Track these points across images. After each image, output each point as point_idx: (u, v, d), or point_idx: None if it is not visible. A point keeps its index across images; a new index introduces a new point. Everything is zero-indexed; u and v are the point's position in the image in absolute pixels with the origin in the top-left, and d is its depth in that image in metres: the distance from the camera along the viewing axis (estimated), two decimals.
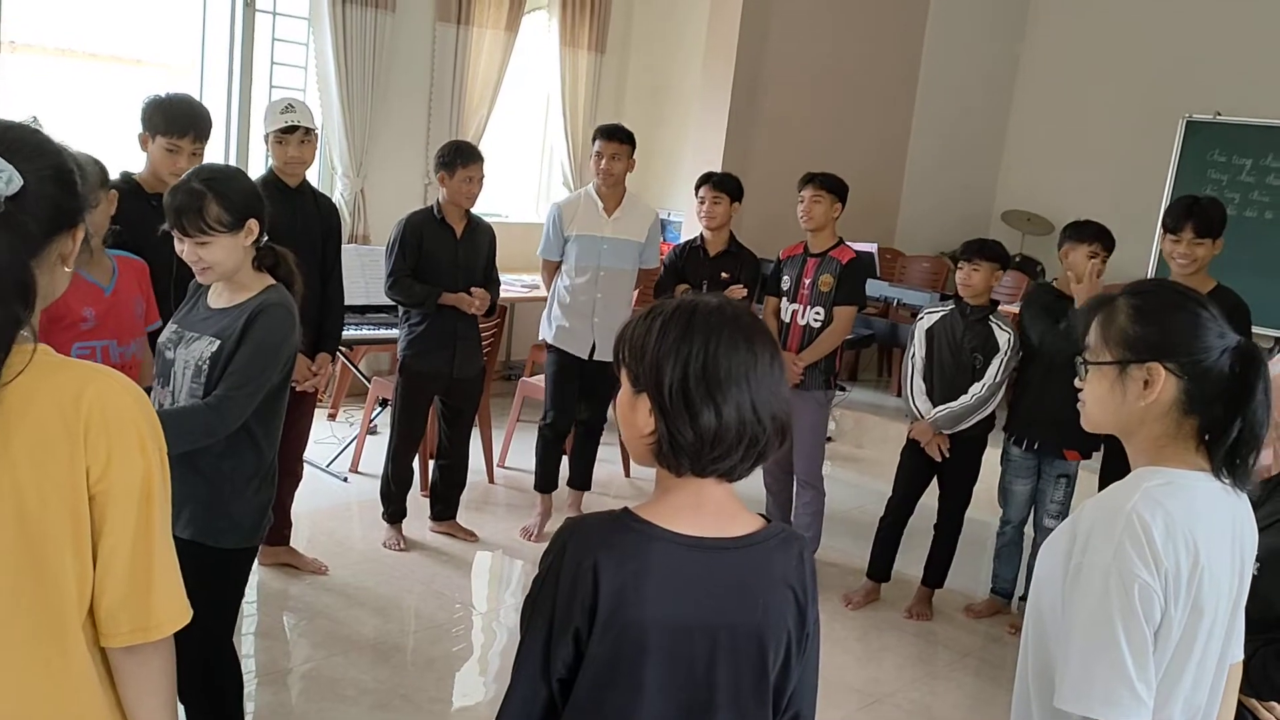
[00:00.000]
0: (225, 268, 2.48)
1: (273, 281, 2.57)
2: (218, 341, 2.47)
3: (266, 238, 2.55)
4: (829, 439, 4.83)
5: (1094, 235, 4.13)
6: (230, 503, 2.53)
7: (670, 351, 1.39)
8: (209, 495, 2.49)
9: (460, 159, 4.38)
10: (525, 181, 7.79)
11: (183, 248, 2.46)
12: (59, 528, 1.33)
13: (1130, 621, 1.50)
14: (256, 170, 5.86)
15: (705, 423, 1.37)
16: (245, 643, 3.77)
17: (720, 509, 1.45)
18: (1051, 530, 4.37)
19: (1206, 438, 1.61)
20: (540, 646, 1.40)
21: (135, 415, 1.39)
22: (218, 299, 2.55)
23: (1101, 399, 1.66)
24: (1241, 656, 1.75)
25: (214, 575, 2.47)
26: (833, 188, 4.47)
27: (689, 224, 6.93)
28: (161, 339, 2.56)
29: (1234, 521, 1.64)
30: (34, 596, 1.34)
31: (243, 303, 2.51)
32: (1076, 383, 1.71)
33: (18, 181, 1.30)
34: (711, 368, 1.38)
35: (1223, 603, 1.61)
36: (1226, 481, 1.60)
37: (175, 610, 1.42)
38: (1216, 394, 1.59)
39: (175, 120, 3.34)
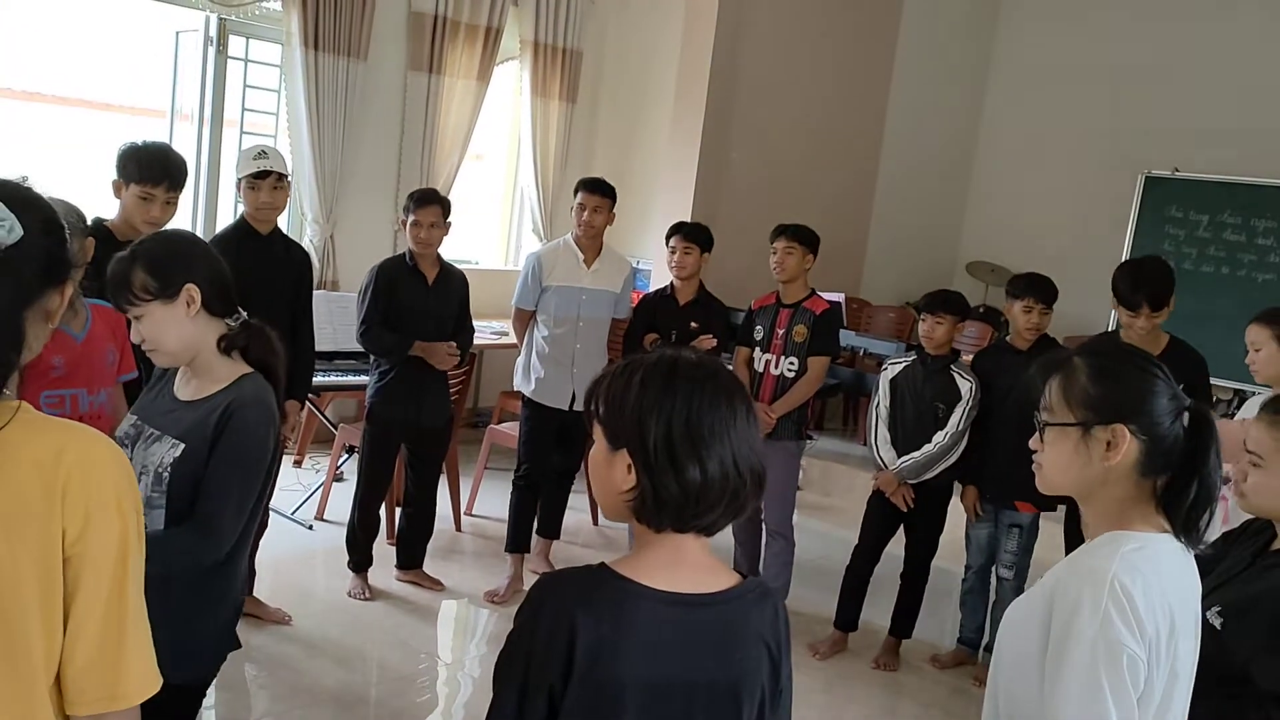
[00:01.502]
0: (169, 346, 2.17)
1: (247, 369, 2.24)
2: (182, 445, 2.14)
3: (243, 315, 2.26)
4: (798, 489, 4.84)
5: (1025, 289, 4.25)
6: (185, 631, 2.10)
7: (654, 407, 1.39)
8: (161, 622, 2.19)
9: (413, 203, 4.41)
10: (495, 229, 7.83)
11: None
12: (28, 589, 1.30)
13: (1119, 693, 1.50)
14: (226, 217, 5.86)
15: (690, 479, 1.38)
16: (207, 695, 3.71)
17: (698, 564, 1.45)
18: (1005, 579, 4.39)
19: (1164, 499, 1.61)
20: (514, 705, 1.39)
21: (115, 475, 1.36)
22: (184, 387, 2.24)
23: (1062, 461, 1.65)
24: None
25: (157, 715, 2.15)
26: (805, 239, 4.53)
27: (659, 272, 6.97)
28: (119, 432, 2.25)
29: (1194, 582, 1.66)
30: (4, 663, 1.30)
31: (212, 396, 2.19)
32: (1033, 443, 1.70)
33: (18, 231, 1.31)
34: (695, 424, 1.39)
35: (1192, 663, 1.62)
36: (1183, 542, 1.62)
37: (145, 678, 1.39)
38: (1172, 456, 1.60)
39: (149, 168, 3.33)
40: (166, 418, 2.19)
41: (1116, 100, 8.18)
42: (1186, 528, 1.60)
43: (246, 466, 2.17)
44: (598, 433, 1.46)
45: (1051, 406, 1.67)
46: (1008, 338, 4.44)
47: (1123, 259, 7.06)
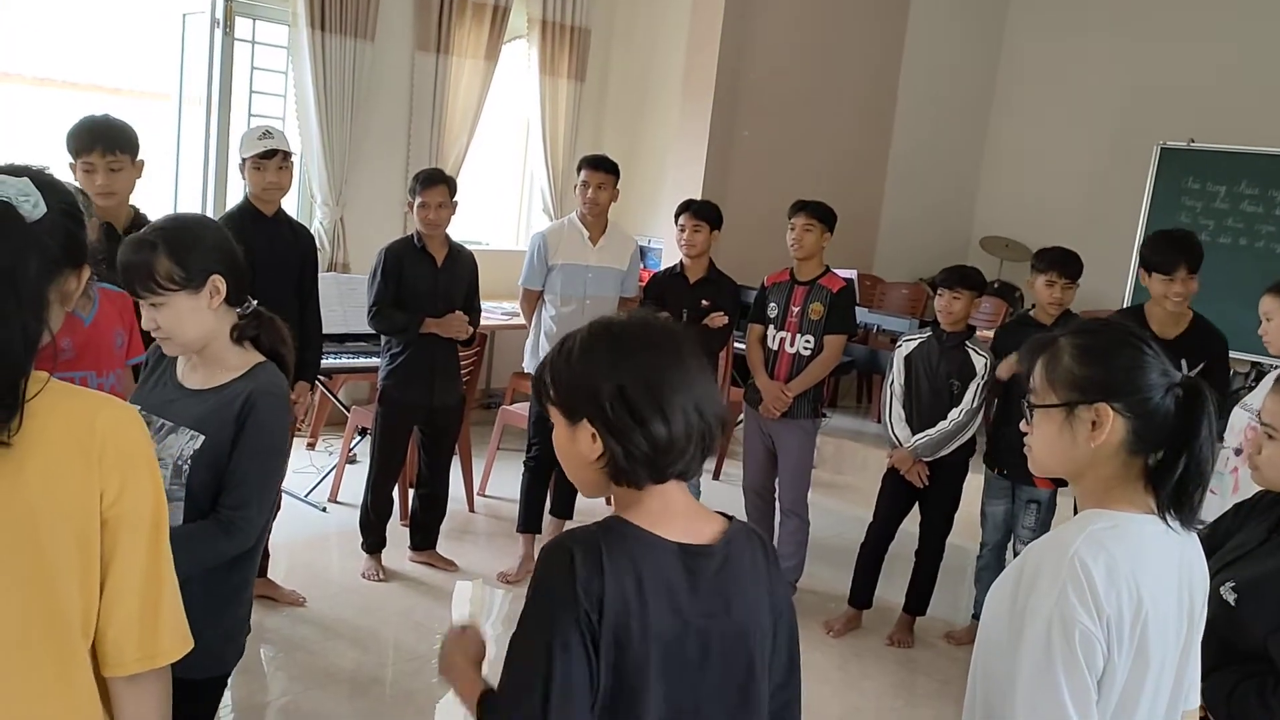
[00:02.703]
0: (187, 336, 2.11)
1: (259, 358, 2.19)
2: (201, 437, 2.09)
3: (253, 304, 2.22)
4: (813, 467, 4.82)
5: (1049, 263, 4.20)
6: (212, 626, 2.08)
7: (604, 370, 1.42)
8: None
9: (419, 185, 4.38)
10: (505, 209, 7.80)
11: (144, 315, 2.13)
12: (67, 552, 1.35)
13: (1071, 669, 1.48)
14: (234, 199, 5.85)
15: (657, 433, 1.40)
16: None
17: (688, 512, 1.49)
18: None
19: (1153, 476, 1.58)
20: (545, 655, 1.35)
21: (143, 441, 1.44)
22: (191, 375, 2.17)
23: (1049, 442, 1.63)
24: (1197, 704, 1.72)
25: (185, 709, 2.05)
26: (824, 217, 4.49)
27: (669, 251, 6.94)
28: None
29: (1181, 564, 1.61)
30: (44, 623, 1.36)
31: (225, 385, 2.13)
32: (1023, 426, 1.69)
33: (43, 207, 1.39)
34: (651, 378, 1.41)
35: (1170, 650, 1.58)
36: (1173, 521, 1.58)
37: (180, 638, 1.46)
38: (1163, 432, 1.57)
39: (79, 138, 3.26)
40: (173, 407, 2.13)
41: (1130, 71, 8.09)
42: (1177, 505, 1.57)
43: (272, 457, 2.17)
44: (554, 415, 1.48)
45: (1036, 388, 1.65)
46: (1031, 311, 4.39)
47: (1138, 232, 7.02)
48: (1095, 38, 8.29)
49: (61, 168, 3.14)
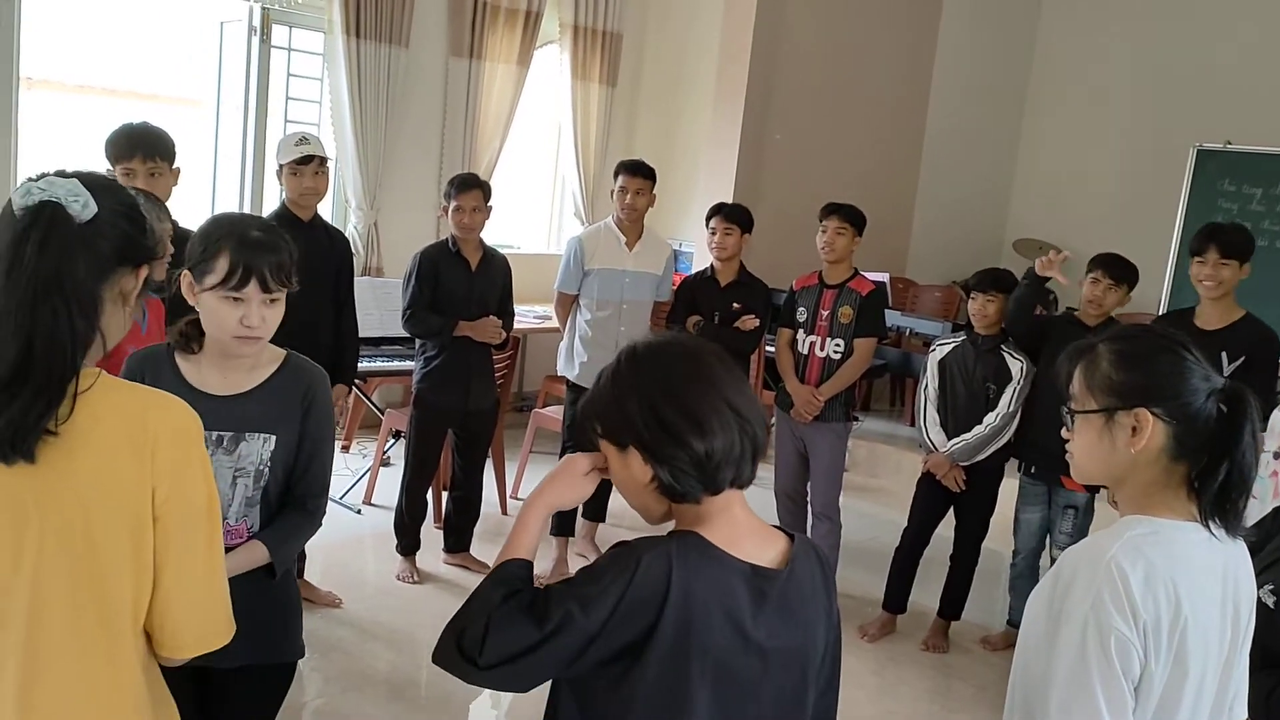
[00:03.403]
0: (270, 334, 2.08)
1: (280, 350, 2.18)
2: (272, 437, 2.10)
3: None
4: (845, 470, 4.81)
5: (1098, 263, 4.19)
6: (291, 610, 2.29)
7: (629, 394, 1.44)
8: (272, 608, 2.21)
9: (454, 189, 4.41)
10: (537, 213, 7.83)
11: (238, 311, 1.99)
12: (119, 543, 1.40)
13: (1107, 675, 1.47)
14: (270, 205, 5.91)
15: (695, 444, 1.41)
16: None
17: (752, 531, 1.49)
18: None
19: (1195, 482, 1.56)
20: (562, 616, 1.36)
21: (197, 437, 1.47)
22: (212, 379, 2.09)
23: (1090, 449, 1.63)
24: (1243, 716, 1.69)
25: (281, 694, 2.32)
26: (855, 220, 4.48)
27: (700, 254, 6.95)
28: None
29: (1226, 573, 1.59)
30: (95, 609, 1.40)
31: (269, 380, 2.12)
32: (1064, 433, 1.68)
33: (93, 208, 1.41)
34: (676, 394, 1.43)
35: (1212, 659, 1.56)
36: (1216, 529, 1.56)
37: (228, 623, 1.53)
38: (1205, 438, 1.55)
39: (118, 145, 3.32)
40: (216, 417, 2.03)
41: (1166, 72, 8.02)
42: (1220, 512, 1.55)
43: (332, 441, 2.25)
44: (605, 449, 1.49)
45: (1075, 395, 1.64)
46: (1076, 311, 4.35)
47: (1175, 235, 6.95)
48: (1130, 39, 8.22)
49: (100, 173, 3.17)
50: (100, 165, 3.32)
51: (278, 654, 2.26)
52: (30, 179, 1.42)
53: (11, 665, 1.40)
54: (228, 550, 2.05)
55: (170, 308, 2.40)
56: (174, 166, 3.40)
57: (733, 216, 4.75)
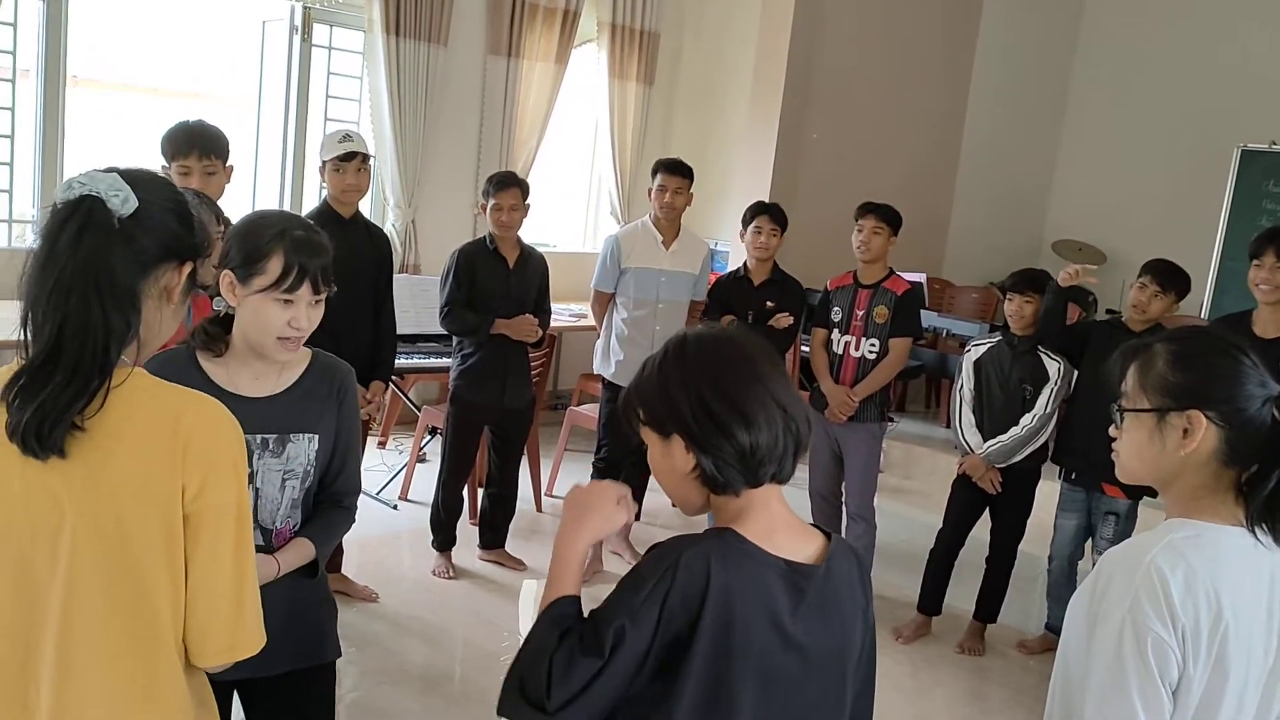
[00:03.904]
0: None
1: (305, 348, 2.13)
2: (316, 436, 2.10)
3: None
4: (879, 471, 4.79)
5: (1146, 269, 4.13)
6: (331, 608, 2.30)
7: (679, 383, 1.45)
8: (316, 607, 2.25)
9: (492, 187, 4.44)
10: (573, 212, 7.85)
11: (287, 313, 1.96)
12: (154, 544, 1.39)
13: (1143, 677, 1.46)
14: (310, 202, 5.97)
15: (741, 436, 1.42)
16: None
17: (789, 527, 1.50)
18: None
19: (1245, 489, 1.54)
20: (616, 631, 1.37)
21: (231, 439, 1.45)
22: (252, 383, 2.05)
23: (1139, 448, 1.61)
24: None
25: (331, 693, 2.33)
26: (892, 220, 4.46)
27: (736, 253, 6.94)
28: None
29: (1273, 579, 1.56)
30: (128, 609, 1.40)
31: (301, 379, 2.10)
32: (1112, 430, 1.66)
33: (133, 203, 1.40)
34: (724, 385, 1.44)
35: (1255, 665, 1.54)
36: (1264, 535, 1.53)
37: (258, 633, 1.48)
38: (1257, 444, 1.53)
39: (176, 142, 3.37)
40: (258, 419, 2.02)
41: (1210, 72, 7.92)
42: (1268, 518, 1.52)
43: (361, 435, 2.26)
44: (647, 436, 1.50)
45: (1129, 392, 1.63)
46: (1123, 317, 4.29)
47: (1218, 236, 6.87)
48: (1173, 37, 8.13)
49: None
50: (148, 162, 3.37)
51: (320, 655, 2.26)
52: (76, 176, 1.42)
53: (48, 664, 1.39)
54: (275, 550, 2.07)
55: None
56: (227, 165, 3.45)
57: (778, 217, 4.73)
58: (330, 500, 2.18)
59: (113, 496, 1.37)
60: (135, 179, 1.43)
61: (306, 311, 1.96)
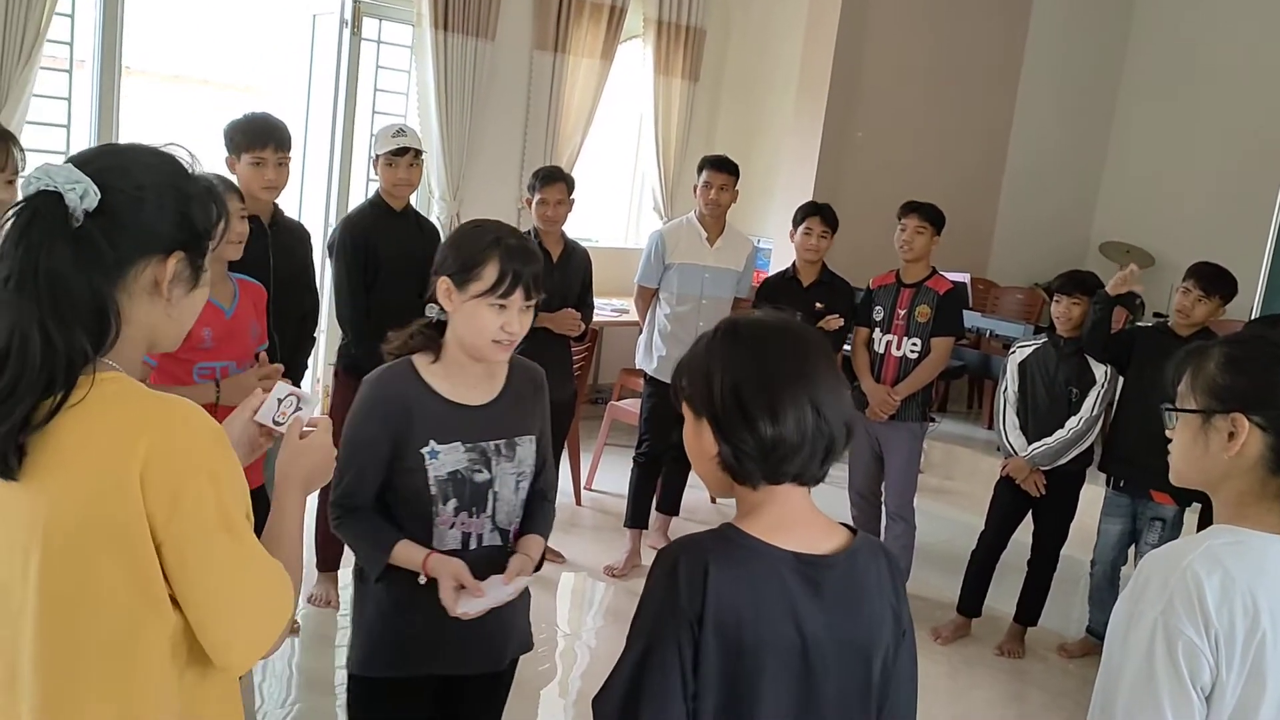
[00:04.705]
0: None
1: None
2: (533, 437, 2.20)
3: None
4: (920, 471, 4.76)
5: (1190, 273, 4.09)
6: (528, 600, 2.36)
7: (718, 366, 1.43)
8: (523, 607, 2.31)
9: (538, 181, 4.46)
10: (617, 207, 7.87)
11: (500, 318, 2.03)
12: (119, 573, 1.28)
13: (1173, 680, 1.45)
14: (358, 195, 6.03)
15: (763, 432, 1.39)
16: (338, 655, 3.85)
17: (808, 522, 1.47)
18: None
19: None
20: (639, 653, 1.38)
21: (203, 444, 1.31)
22: (470, 391, 2.13)
23: (1185, 449, 1.60)
24: None
25: (509, 684, 2.39)
26: (935, 219, 4.44)
27: (779, 251, 6.93)
28: (460, 468, 2.10)
29: None
30: (104, 640, 1.31)
31: (509, 384, 2.18)
32: (1167, 431, 1.66)
33: (94, 197, 1.28)
34: (761, 376, 1.41)
35: None
36: None
37: (276, 626, 1.40)
38: None
39: (253, 134, 3.43)
40: (488, 426, 2.12)
41: (1262, 72, 7.79)
42: None
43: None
44: (685, 410, 1.49)
45: (1181, 393, 1.62)
46: (1169, 322, 4.24)
47: (1270, 239, 6.76)
48: (1224, 37, 8.01)
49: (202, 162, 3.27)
50: (204, 153, 3.41)
51: (517, 649, 2.33)
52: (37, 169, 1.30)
53: (27, 687, 1.33)
54: (513, 550, 2.16)
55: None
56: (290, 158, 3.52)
57: (829, 219, 4.70)
58: (537, 496, 2.26)
59: (70, 520, 1.27)
60: (107, 166, 1.31)
61: (518, 316, 2.05)
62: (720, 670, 1.38)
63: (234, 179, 3.46)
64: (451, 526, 2.12)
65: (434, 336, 2.13)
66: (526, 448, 2.18)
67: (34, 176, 1.28)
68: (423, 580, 2.05)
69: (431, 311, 2.13)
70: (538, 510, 2.26)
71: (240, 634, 1.35)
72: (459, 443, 2.09)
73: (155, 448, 1.26)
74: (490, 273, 2.01)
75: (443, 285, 2.06)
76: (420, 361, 2.13)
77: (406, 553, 2.07)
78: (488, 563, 2.11)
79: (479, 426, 2.12)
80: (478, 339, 2.05)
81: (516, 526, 2.22)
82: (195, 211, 1.38)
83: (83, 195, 1.27)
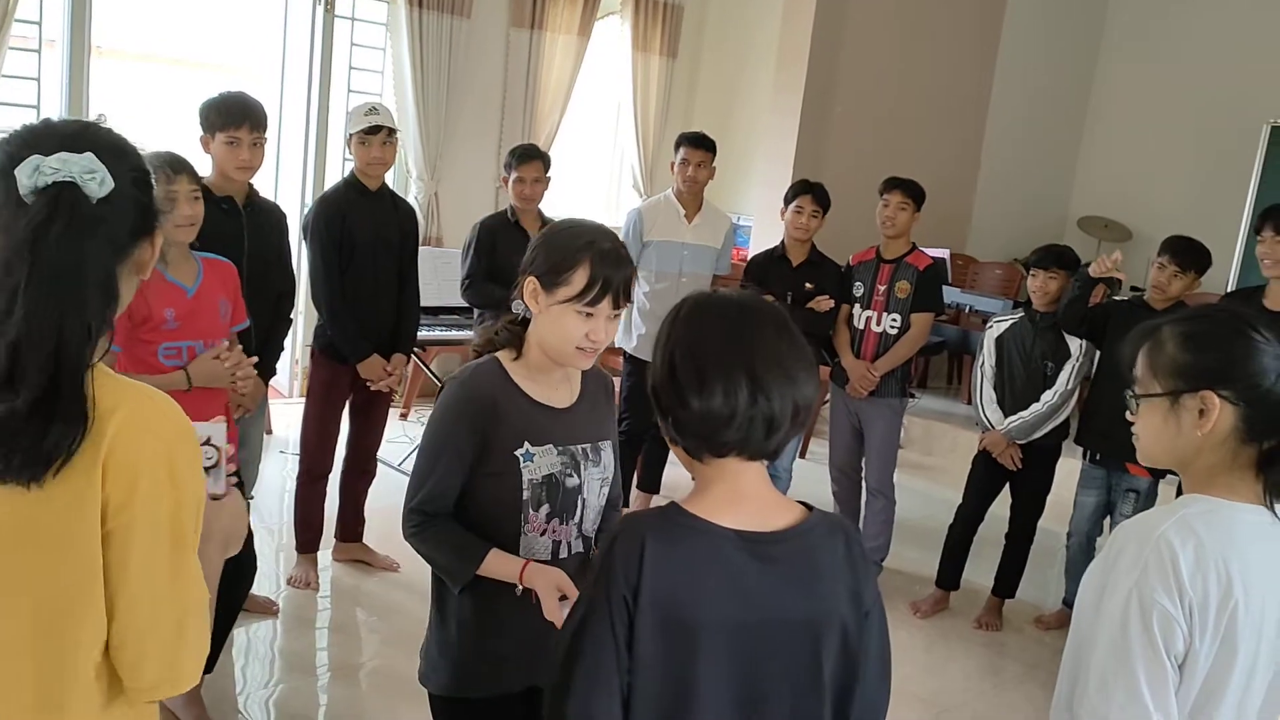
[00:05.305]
0: None
1: None
2: (610, 441, 2.14)
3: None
4: (900, 447, 4.78)
5: (1164, 248, 4.11)
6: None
7: (664, 340, 1.45)
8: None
9: (515, 160, 4.44)
10: (596, 185, 7.85)
11: (586, 325, 1.92)
12: (76, 565, 1.24)
13: (1148, 649, 1.46)
14: (334, 174, 5.99)
15: (694, 406, 1.39)
16: (319, 636, 3.85)
17: (760, 499, 1.46)
18: None
19: (1263, 464, 1.54)
20: (580, 615, 1.40)
21: (169, 442, 1.27)
22: (553, 394, 2.04)
23: (1156, 432, 1.61)
24: None
25: None
26: (917, 196, 4.43)
27: (758, 229, 6.93)
28: (555, 471, 2.01)
29: None
30: (49, 645, 1.27)
31: (586, 387, 2.10)
32: (1129, 416, 1.66)
33: (110, 183, 1.26)
34: (698, 352, 1.41)
35: (1266, 642, 1.54)
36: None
37: (198, 662, 1.33)
38: (1275, 418, 1.53)
39: (229, 113, 3.39)
40: (575, 429, 2.05)
41: (1240, 47, 7.81)
42: None
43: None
44: None
45: (1140, 378, 1.62)
46: (1145, 295, 4.26)
47: (1245, 213, 6.80)
48: (1201, 12, 8.02)
49: (166, 140, 3.24)
50: (178, 132, 3.38)
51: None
52: (40, 155, 1.25)
53: None
54: (589, 558, 2.05)
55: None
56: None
57: (821, 198, 4.63)
58: (610, 505, 2.16)
59: (44, 512, 1.23)
60: (101, 147, 1.29)
61: (605, 325, 1.94)
62: (659, 648, 1.38)
63: (208, 158, 3.44)
64: (543, 534, 2.01)
65: (519, 333, 2.03)
66: (608, 453, 2.10)
67: (49, 166, 1.23)
68: (519, 591, 1.93)
69: (518, 308, 2.03)
70: (611, 519, 2.16)
71: (158, 657, 1.28)
72: (551, 445, 2.00)
73: (121, 432, 1.23)
74: (580, 279, 1.90)
75: (529, 285, 1.95)
76: (506, 360, 2.03)
77: (499, 562, 1.95)
78: (573, 572, 1.98)
79: (567, 430, 2.04)
80: (562, 345, 1.95)
81: (594, 535, 2.13)
82: (155, 191, 1.38)
83: (101, 182, 1.25)
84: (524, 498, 1.97)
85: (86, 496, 1.22)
